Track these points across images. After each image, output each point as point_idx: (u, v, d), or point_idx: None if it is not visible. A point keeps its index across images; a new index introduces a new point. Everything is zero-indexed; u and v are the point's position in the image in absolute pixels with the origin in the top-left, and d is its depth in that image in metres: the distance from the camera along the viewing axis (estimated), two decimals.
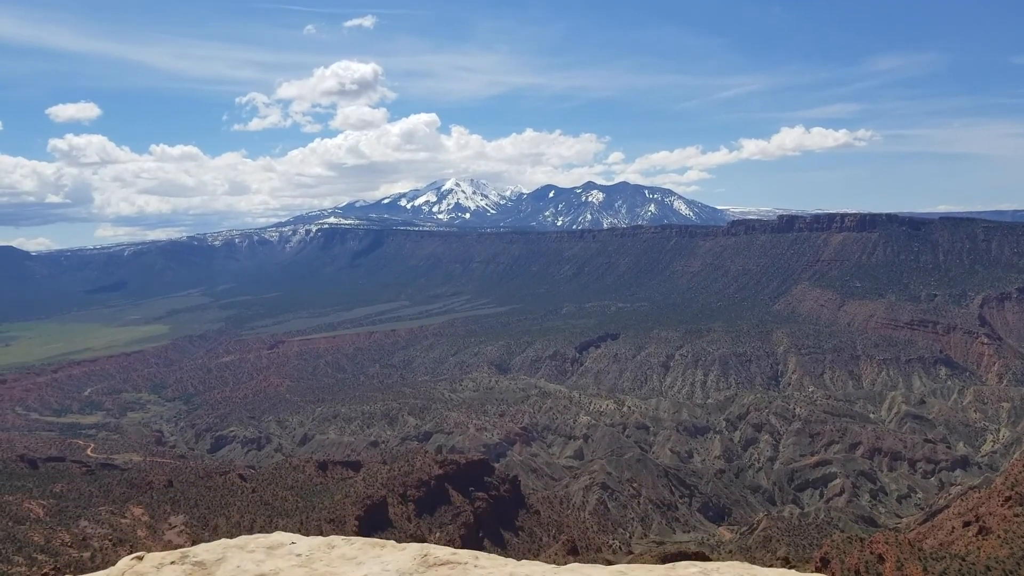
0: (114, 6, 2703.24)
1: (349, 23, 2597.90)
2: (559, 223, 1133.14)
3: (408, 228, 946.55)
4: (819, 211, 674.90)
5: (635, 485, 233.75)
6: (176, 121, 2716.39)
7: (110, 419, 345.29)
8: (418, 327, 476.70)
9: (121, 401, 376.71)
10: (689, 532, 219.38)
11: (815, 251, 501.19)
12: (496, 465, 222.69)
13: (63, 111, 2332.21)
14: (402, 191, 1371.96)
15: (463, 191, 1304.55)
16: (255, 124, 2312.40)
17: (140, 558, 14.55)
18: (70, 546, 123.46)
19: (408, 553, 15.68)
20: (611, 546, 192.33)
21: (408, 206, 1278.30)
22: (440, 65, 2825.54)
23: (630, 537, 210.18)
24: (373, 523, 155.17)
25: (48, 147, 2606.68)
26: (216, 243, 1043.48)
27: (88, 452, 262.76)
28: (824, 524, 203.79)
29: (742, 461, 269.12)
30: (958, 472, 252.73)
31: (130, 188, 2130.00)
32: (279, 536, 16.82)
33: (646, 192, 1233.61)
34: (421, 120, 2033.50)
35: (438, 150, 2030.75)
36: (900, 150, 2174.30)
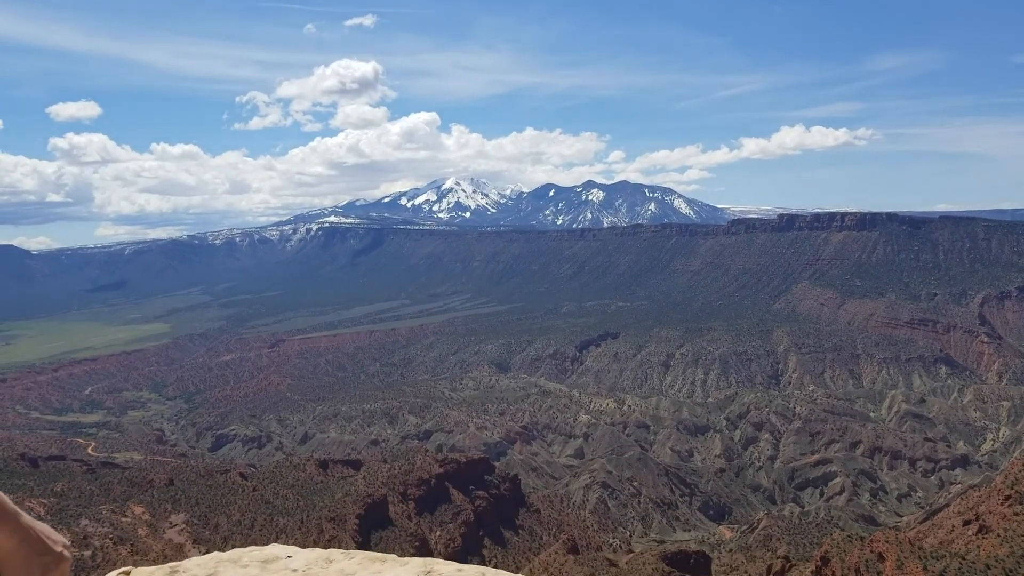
0: (115, 5, 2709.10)
1: (349, 22, 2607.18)
2: (559, 222, 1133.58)
3: (408, 227, 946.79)
4: (819, 210, 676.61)
5: (635, 484, 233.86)
6: (177, 120, 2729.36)
7: (111, 418, 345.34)
8: (418, 326, 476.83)
9: (122, 400, 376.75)
10: (690, 531, 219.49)
11: (815, 250, 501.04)
12: (496, 464, 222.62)
13: (64, 110, 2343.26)
14: (402, 190, 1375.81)
15: (463, 190, 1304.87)
16: (256, 123, 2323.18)
17: (127, 573, 14.37)
18: (71, 545, 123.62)
19: (410, 569, 15.25)
20: (611, 545, 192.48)
21: (408, 205, 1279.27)
22: (440, 64, 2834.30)
23: (630, 536, 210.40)
24: (374, 522, 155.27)
25: (49, 146, 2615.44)
26: (217, 242, 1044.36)
27: (89, 451, 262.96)
28: (824, 523, 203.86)
29: (742, 460, 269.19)
30: (958, 471, 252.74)
31: (131, 187, 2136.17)
32: (274, 549, 16.18)
33: (646, 191, 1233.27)
34: (421, 119, 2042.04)
35: (438, 149, 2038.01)
36: (900, 149, 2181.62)
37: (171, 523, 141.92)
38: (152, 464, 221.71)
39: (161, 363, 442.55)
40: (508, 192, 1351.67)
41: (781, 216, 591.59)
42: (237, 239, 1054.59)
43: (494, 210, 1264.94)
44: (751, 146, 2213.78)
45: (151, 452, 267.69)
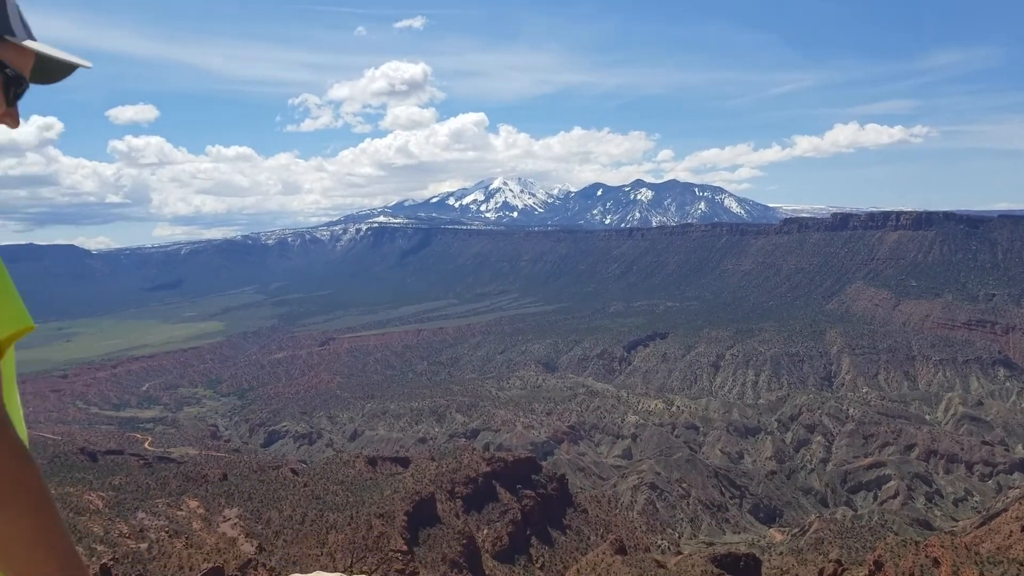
0: (170, 10, 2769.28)
1: (399, 24, 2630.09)
2: (607, 221, 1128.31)
3: (456, 227, 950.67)
4: (874, 209, 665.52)
5: (684, 485, 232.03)
6: (231, 122, 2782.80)
7: (167, 413, 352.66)
8: (466, 325, 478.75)
9: (178, 396, 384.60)
10: (739, 533, 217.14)
11: (870, 249, 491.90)
12: (543, 463, 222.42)
13: (122, 113, 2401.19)
14: (450, 190, 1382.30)
15: (511, 190, 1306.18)
16: (307, 125, 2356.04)
17: None
18: (128, 537, 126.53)
19: None
20: (660, 546, 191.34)
21: (456, 205, 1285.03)
22: (489, 64, 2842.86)
23: (679, 537, 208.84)
24: (421, 519, 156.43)
25: (108, 148, 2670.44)
26: (269, 242, 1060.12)
27: (146, 445, 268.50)
28: (878, 527, 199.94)
29: (794, 462, 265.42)
30: (1016, 475, 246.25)
31: (187, 188, 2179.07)
32: None
33: (696, 190, 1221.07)
34: (469, 119, 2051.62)
35: (486, 149, 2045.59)
36: (958, 146, 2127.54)
37: (224, 517, 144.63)
38: (206, 459, 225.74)
39: (216, 360, 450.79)
40: (555, 192, 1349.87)
41: (835, 215, 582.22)
42: (289, 239, 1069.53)
43: (541, 210, 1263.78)
44: (804, 144, 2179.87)
45: (206, 447, 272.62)
